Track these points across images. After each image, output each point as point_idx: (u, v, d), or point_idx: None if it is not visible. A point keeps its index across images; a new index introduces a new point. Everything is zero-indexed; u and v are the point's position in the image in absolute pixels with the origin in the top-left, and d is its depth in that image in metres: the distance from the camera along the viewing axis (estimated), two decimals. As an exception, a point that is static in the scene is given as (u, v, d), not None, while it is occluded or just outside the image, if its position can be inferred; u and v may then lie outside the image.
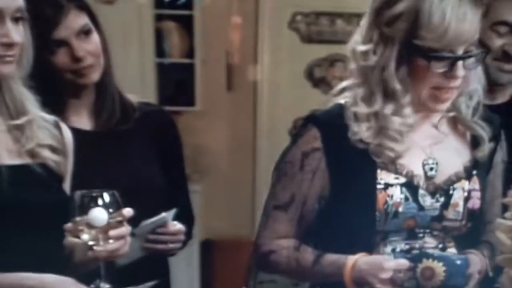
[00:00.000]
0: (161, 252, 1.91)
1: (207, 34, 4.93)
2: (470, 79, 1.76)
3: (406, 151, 1.73)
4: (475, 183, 1.79)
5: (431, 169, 1.76)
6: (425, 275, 1.67)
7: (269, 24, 5.24)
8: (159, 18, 4.82)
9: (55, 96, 1.76)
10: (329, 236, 1.77)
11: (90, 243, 1.51)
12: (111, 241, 1.52)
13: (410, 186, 1.73)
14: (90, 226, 1.51)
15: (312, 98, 4.68)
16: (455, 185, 1.76)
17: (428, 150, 1.77)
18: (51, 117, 1.64)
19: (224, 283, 4.25)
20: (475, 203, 1.78)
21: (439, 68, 1.68)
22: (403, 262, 1.66)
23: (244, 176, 4.78)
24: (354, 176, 1.73)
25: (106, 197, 1.52)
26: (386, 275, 1.65)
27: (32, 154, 1.57)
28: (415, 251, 1.72)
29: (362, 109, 1.72)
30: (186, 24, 4.88)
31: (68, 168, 1.64)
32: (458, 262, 1.69)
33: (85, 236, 1.51)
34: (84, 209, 1.51)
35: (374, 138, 1.71)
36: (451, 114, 1.80)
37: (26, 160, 1.56)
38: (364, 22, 1.76)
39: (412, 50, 1.67)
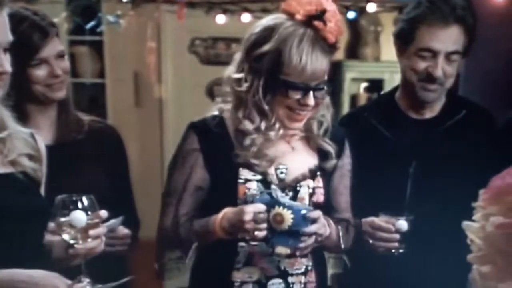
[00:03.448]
0: (110, 253, 1.89)
1: (116, 57, 5.23)
2: (319, 107, 1.96)
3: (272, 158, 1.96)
4: (319, 182, 2.00)
5: (282, 172, 1.98)
6: (276, 220, 1.83)
7: (171, 48, 5.60)
8: (72, 43, 5.07)
9: (19, 109, 1.78)
10: (211, 214, 1.94)
11: (71, 241, 1.57)
12: (89, 240, 1.58)
13: (265, 182, 1.95)
14: (71, 226, 1.56)
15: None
16: (301, 183, 1.98)
17: (280, 159, 1.99)
18: (27, 130, 1.67)
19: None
20: (319, 197, 2.00)
21: (295, 95, 1.89)
22: (260, 206, 1.83)
23: (152, 183, 4.83)
24: (223, 171, 1.96)
25: (85, 200, 1.58)
26: (248, 216, 1.81)
27: (14, 163, 1.60)
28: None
29: (248, 125, 1.93)
30: (98, 48, 5.16)
31: (43, 173, 1.68)
32: (304, 211, 1.84)
33: (66, 236, 1.57)
34: (65, 211, 1.56)
35: (255, 147, 1.93)
36: (305, 134, 2.01)
37: (10, 169, 1.59)
38: (238, 55, 1.96)
39: (275, 80, 1.87)
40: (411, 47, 2.12)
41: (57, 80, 2.02)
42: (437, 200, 2.12)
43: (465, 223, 1.39)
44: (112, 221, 1.90)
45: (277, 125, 1.95)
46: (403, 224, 2.00)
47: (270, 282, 1.98)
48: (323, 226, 1.89)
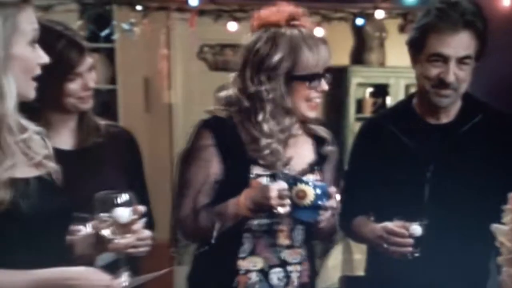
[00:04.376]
0: (132, 254, 1.90)
1: (127, 63, 5.31)
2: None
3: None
4: (317, 176, 2.18)
5: (287, 169, 2.14)
6: (299, 195, 1.98)
7: (181, 55, 5.66)
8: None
9: (42, 117, 1.85)
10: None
11: (111, 237, 1.59)
12: (128, 235, 1.60)
13: (272, 177, 2.09)
14: (112, 222, 1.58)
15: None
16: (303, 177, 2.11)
17: (288, 158, 2.13)
18: (38, 128, 1.66)
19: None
20: None
21: (314, 85, 2.07)
22: (282, 183, 1.98)
23: (161, 186, 4.67)
24: (235, 167, 2.09)
25: (125, 196, 1.60)
26: (273, 193, 1.95)
27: (38, 165, 1.62)
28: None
29: (272, 126, 2.08)
30: (110, 55, 5.21)
31: (59, 174, 1.68)
32: (322, 188, 1.99)
33: (105, 231, 1.59)
34: (106, 207, 1.58)
35: (269, 150, 2.06)
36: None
37: (37, 172, 1.61)
38: (242, 72, 2.10)
39: (292, 78, 2.05)
40: (422, 54, 2.15)
41: (88, 92, 2.09)
42: (455, 205, 2.12)
43: (495, 226, 1.40)
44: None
45: (297, 121, 2.11)
46: (417, 229, 2.01)
47: (271, 271, 2.14)
48: (336, 202, 2.04)
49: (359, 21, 4.78)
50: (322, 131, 2.21)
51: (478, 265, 2.18)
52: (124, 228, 1.59)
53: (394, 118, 2.27)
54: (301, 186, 1.98)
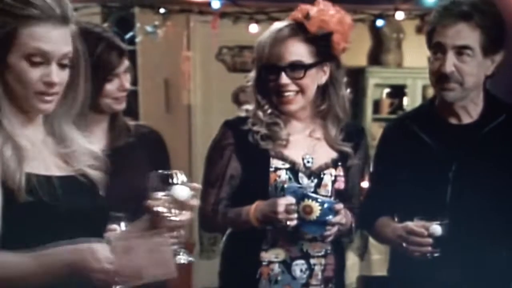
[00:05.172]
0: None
1: (148, 65, 5.40)
2: (336, 108, 2.24)
3: (288, 144, 2.20)
4: (340, 171, 2.24)
5: (308, 162, 2.23)
6: (305, 211, 2.07)
7: (200, 56, 5.75)
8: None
9: (81, 116, 1.83)
10: (243, 200, 2.18)
11: (167, 214, 1.60)
12: (185, 212, 1.61)
13: (293, 170, 2.19)
14: (170, 200, 1.60)
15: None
16: (325, 171, 2.23)
17: (307, 149, 2.24)
18: (88, 146, 1.70)
19: None
20: (340, 185, 2.25)
21: (272, 77, 2.17)
22: (291, 198, 2.07)
23: None
24: (255, 161, 2.19)
25: (181, 175, 1.62)
26: (281, 208, 2.05)
27: (77, 171, 1.66)
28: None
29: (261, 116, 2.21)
30: (132, 57, 5.30)
31: (103, 178, 1.71)
32: (329, 204, 2.08)
33: (161, 209, 1.60)
34: (163, 186, 1.61)
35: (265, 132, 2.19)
36: (323, 136, 2.25)
37: (72, 173, 1.65)
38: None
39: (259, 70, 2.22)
40: (429, 50, 2.18)
41: (124, 93, 2.14)
42: (477, 205, 2.12)
43: None
44: None
45: (268, 110, 2.21)
46: (436, 228, 2.01)
47: (294, 263, 2.20)
48: (344, 217, 2.12)
49: (379, 23, 4.82)
50: (342, 147, 2.26)
51: (501, 267, 2.17)
52: (182, 205, 1.61)
53: (417, 118, 2.29)
54: (308, 202, 2.06)
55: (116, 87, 2.11)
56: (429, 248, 2.02)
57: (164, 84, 5.66)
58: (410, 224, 2.06)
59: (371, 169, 2.37)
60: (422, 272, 2.11)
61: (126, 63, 2.14)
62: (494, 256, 2.14)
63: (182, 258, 1.68)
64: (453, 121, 2.23)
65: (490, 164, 2.15)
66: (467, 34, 2.10)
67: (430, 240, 2.02)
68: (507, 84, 2.39)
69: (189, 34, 5.42)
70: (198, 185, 1.68)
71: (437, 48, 2.13)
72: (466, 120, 2.21)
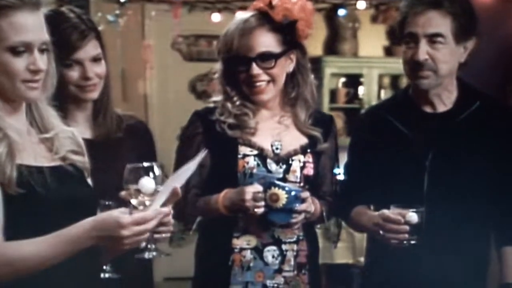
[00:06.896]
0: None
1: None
2: (305, 94, 2.27)
3: (256, 131, 2.21)
4: (309, 157, 2.26)
5: (277, 148, 2.25)
6: (272, 198, 2.11)
7: (155, 45, 5.71)
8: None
9: (60, 106, 1.82)
10: (213, 189, 2.20)
11: (137, 206, 1.60)
12: (153, 204, 1.60)
13: (261, 157, 2.22)
14: (138, 192, 1.61)
15: (196, 108, 5.17)
16: (293, 158, 2.25)
17: (275, 135, 2.26)
18: (69, 128, 1.75)
19: None
20: (309, 171, 2.26)
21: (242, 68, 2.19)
22: (258, 186, 2.12)
23: None
24: (224, 149, 2.21)
25: (152, 167, 1.62)
26: (248, 196, 2.09)
27: (63, 159, 1.69)
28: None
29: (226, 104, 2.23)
30: None
31: (88, 166, 1.75)
32: (296, 192, 2.12)
33: (134, 201, 1.61)
34: (135, 178, 1.61)
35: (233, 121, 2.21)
36: (292, 119, 2.27)
37: (60, 163, 1.68)
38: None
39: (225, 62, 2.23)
40: (402, 41, 2.21)
41: (89, 82, 2.06)
42: (454, 192, 2.15)
43: None
44: None
45: (237, 101, 2.24)
46: (413, 216, 2.01)
47: (266, 249, 2.22)
48: (311, 205, 2.16)
49: (341, 12, 4.83)
50: (312, 132, 2.28)
51: (478, 253, 2.23)
52: (151, 197, 1.61)
53: (392, 108, 2.31)
54: (274, 190, 2.11)
55: (78, 75, 2.05)
56: (406, 236, 2.04)
57: (121, 73, 5.59)
58: (386, 212, 2.07)
59: (346, 158, 2.38)
60: (399, 259, 2.13)
61: (93, 51, 2.06)
62: (470, 243, 2.19)
63: (152, 254, 1.69)
64: (428, 109, 2.25)
65: (465, 152, 2.19)
66: (438, 22, 2.13)
67: (406, 228, 2.03)
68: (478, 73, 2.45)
69: (144, 23, 5.36)
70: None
71: (409, 38, 2.16)
72: (441, 108, 2.24)
